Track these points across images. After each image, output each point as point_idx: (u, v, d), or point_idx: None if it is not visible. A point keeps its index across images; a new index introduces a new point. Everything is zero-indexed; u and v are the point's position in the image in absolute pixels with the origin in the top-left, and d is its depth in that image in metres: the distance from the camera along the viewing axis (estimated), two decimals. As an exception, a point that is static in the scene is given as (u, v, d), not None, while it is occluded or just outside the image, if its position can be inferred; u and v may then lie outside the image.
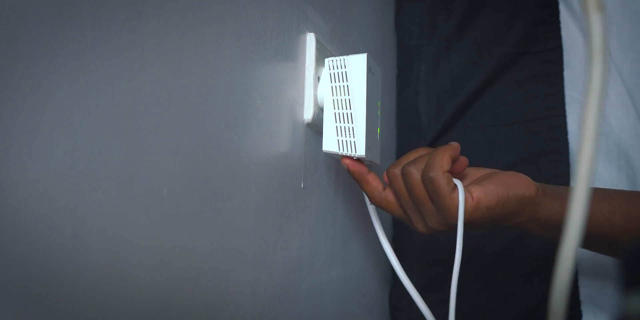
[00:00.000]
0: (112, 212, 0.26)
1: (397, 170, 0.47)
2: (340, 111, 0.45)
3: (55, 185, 0.23)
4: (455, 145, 0.47)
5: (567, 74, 0.73)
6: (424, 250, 0.76)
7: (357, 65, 0.45)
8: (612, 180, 0.69)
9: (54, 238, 0.23)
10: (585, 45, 0.74)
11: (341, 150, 0.45)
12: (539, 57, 0.73)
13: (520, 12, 0.74)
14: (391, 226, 0.79)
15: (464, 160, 0.48)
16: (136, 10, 0.27)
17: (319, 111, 0.48)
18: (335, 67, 0.46)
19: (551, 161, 0.72)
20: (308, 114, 0.47)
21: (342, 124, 0.45)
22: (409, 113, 0.78)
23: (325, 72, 0.47)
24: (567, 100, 0.72)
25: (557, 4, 0.73)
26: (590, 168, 0.21)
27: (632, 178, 0.68)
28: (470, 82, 0.75)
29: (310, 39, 0.48)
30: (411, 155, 0.50)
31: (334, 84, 0.46)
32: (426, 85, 0.77)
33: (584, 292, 0.69)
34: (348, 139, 0.45)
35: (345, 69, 0.46)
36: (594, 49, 0.21)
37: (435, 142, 0.76)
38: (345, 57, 0.46)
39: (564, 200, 0.48)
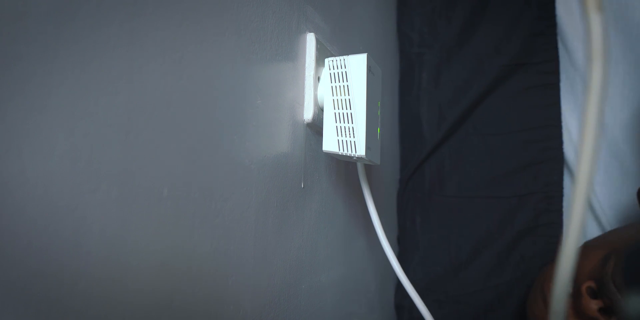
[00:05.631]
0: (112, 212, 0.26)
1: None
2: (341, 111, 0.45)
3: (56, 185, 0.23)
4: None
5: (564, 85, 0.74)
6: (427, 252, 0.76)
7: (357, 65, 0.45)
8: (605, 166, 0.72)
9: (55, 238, 0.23)
10: (583, 53, 0.75)
11: (341, 150, 0.45)
12: (536, 68, 0.75)
13: (520, 24, 0.75)
14: (396, 226, 0.79)
15: None
16: (136, 9, 0.27)
17: (319, 111, 0.48)
18: (335, 67, 0.46)
19: (547, 169, 0.73)
20: (308, 114, 0.47)
21: (342, 124, 0.45)
22: (410, 120, 0.79)
23: (325, 72, 0.47)
24: (563, 110, 0.74)
25: (554, 17, 0.74)
26: (591, 167, 0.21)
27: (622, 164, 0.71)
28: (471, 92, 0.76)
29: (310, 39, 0.47)
30: None
31: (334, 84, 0.46)
32: (427, 93, 0.78)
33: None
34: (348, 139, 0.45)
35: (345, 69, 0.46)
36: (594, 49, 0.21)
37: (436, 150, 0.77)
38: (345, 57, 0.46)
39: None
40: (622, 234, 0.54)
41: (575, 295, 0.54)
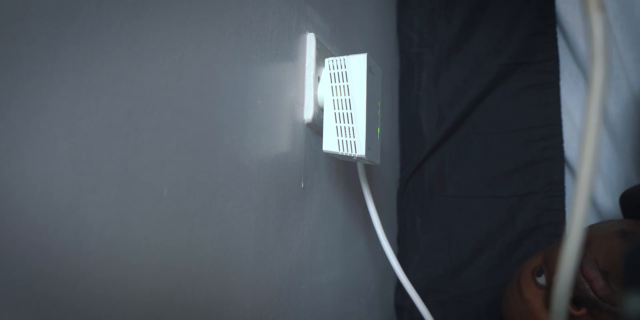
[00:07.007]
0: (112, 212, 0.26)
1: None
2: (341, 111, 0.45)
3: (56, 185, 0.23)
4: None
5: (567, 82, 0.75)
6: (427, 252, 0.76)
7: (357, 65, 0.45)
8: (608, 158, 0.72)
9: (55, 237, 0.22)
10: (585, 49, 0.75)
11: (341, 150, 0.45)
12: (536, 68, 0.75)
13: (519, 24, 0.76)
14: (396, 226, 0.79)
15: None
16: (136, 10, 0.27)
17: (319, 111, 0.48)
18: (335, 67, 0.46)
19: (547, 168, 0.73)
20: (308, 114, 0.47)
21: (342, 124, 0.45)
22: (410, 120, 0.79)
23: (325, 72, 0.47)
24: (563, 109, 0.74)
25: (554, 16, 0.74)
26: (593, 165, 0.21)
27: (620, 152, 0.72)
28: (470, 91, 0.76)
29: (310, 39, 0.47)
30: None
31: (334, 84, 0.46)
32: (427, 93, 0.78)
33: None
34: (348, 139, 0.45)
35: (345, 69, 0.46)
36: (595, 48, 0.21)
37: (436, 150, 0.77)
38: (345, 57, 0.46)
39: None
40: (595, 227, 0.54)
41: (546, 286, 0.55)
